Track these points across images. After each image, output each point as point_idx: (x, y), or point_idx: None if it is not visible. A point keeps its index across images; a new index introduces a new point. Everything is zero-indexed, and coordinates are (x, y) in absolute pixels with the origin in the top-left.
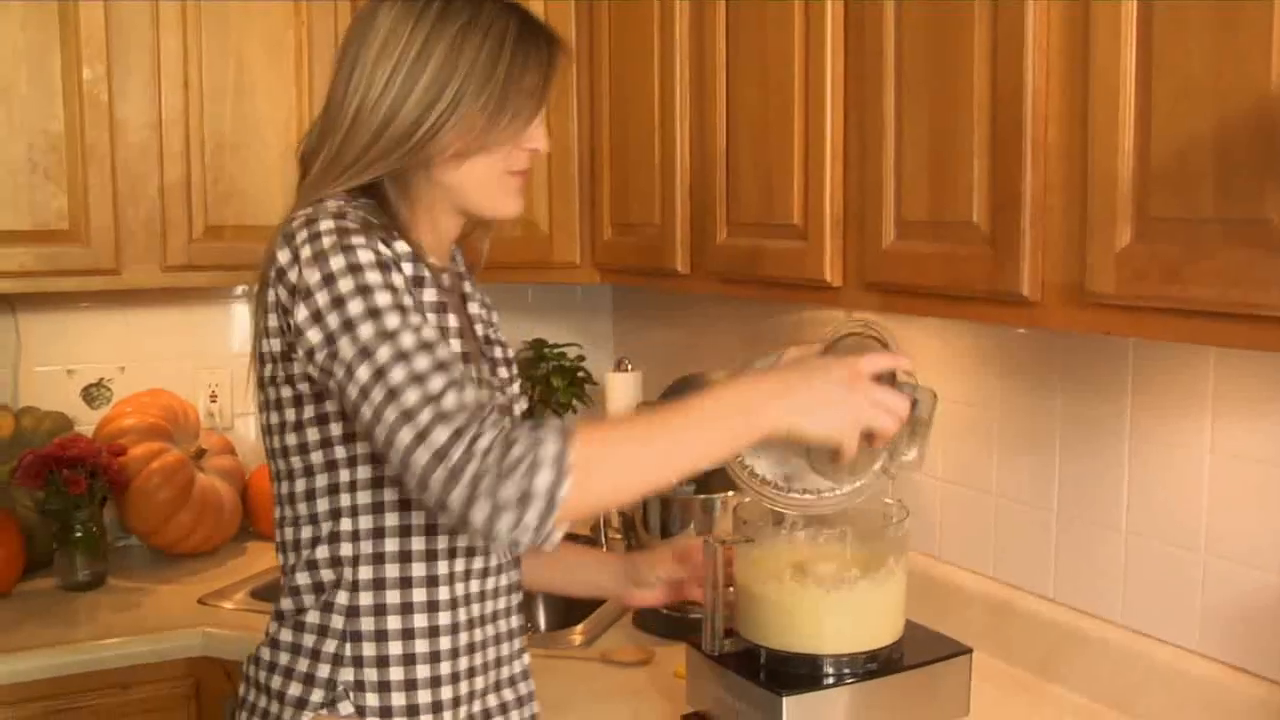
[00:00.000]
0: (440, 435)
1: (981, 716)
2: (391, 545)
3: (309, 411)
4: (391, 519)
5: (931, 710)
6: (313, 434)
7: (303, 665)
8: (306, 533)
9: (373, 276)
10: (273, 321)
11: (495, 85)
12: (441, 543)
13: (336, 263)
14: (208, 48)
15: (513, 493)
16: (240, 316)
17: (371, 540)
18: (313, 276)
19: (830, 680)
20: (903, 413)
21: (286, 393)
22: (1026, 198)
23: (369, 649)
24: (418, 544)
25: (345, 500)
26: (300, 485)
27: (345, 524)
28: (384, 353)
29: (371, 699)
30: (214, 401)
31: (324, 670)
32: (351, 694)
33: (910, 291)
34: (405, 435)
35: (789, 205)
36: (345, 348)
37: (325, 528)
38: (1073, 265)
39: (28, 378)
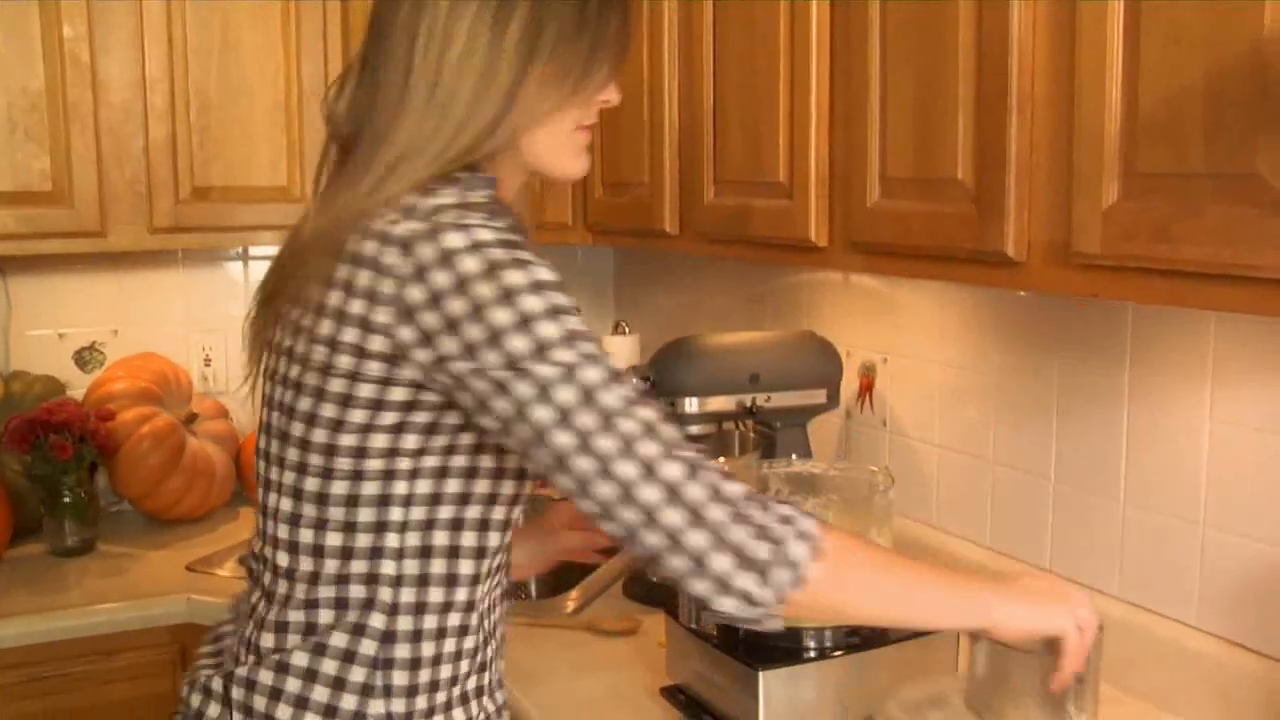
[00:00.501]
0: (673, 470)
1: None
2: (438, 567)
3: (389, 418)
4: (440, 538)
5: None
6: (380, 440)
7: (321, 695)
8: (336, 539)
9: (549, 299)
10: (381, 316)
11: (588, 29)
12: (484, 567)
13: (511, 282)
14: (191, 4)
15: (763, 553)
16: (235, 278)
17: (418, 560)
18: (465, 304)
19: (811, 654)
20: (1095, 620)
21: (365, 391)
22: (1011, 153)
23: (400, 678)
24: (466, 568)
25: (396, 514)
26: (340, 488)
27: (391, 539)
28: (592, 375)
29: None
30: (208, 365)
31: (350, 701)
32: None
33: (895, 252)
34: (628, 469)
35: (775, 162)
36: (544, 371)
37: (364, 540)
38: (1059, 224)
39: (19, 341)
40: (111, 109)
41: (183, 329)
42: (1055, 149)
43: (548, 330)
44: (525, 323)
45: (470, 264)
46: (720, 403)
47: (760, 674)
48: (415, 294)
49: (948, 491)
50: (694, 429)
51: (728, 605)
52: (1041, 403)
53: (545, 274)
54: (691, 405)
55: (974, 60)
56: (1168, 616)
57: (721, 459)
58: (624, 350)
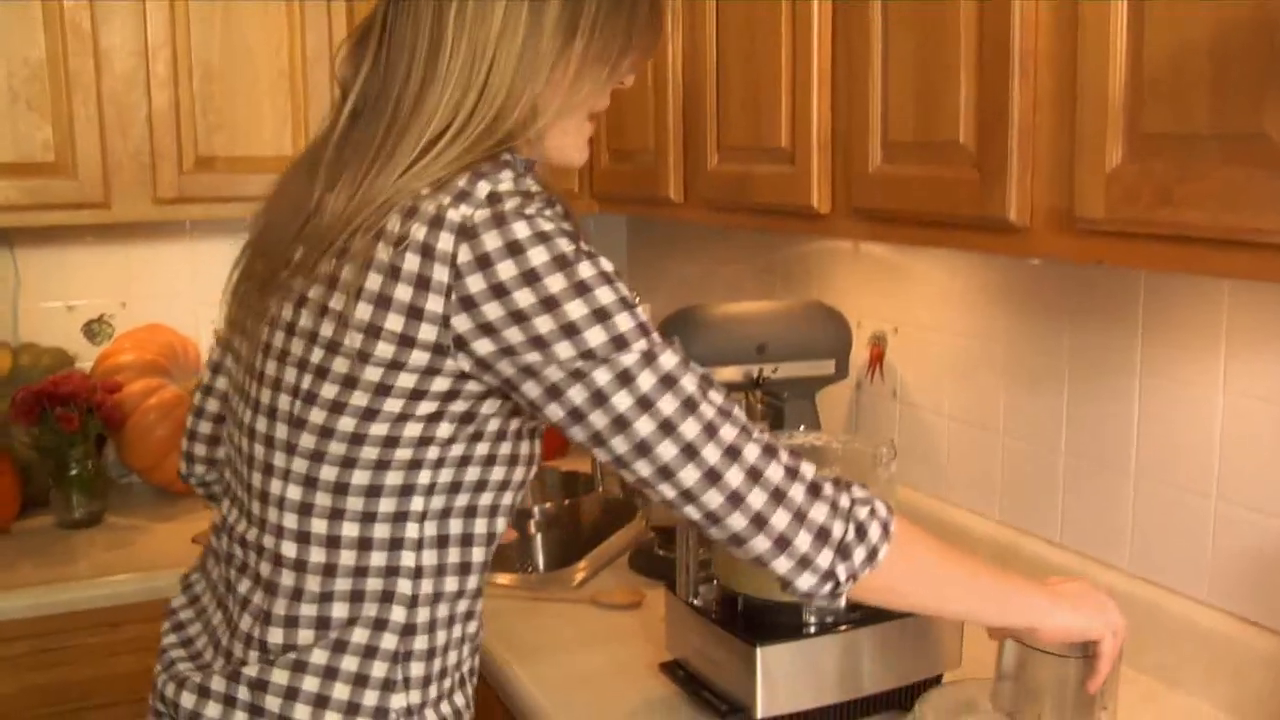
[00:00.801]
0: (753, 452)
1: (975, 668)
2: (453, 556)
3: (426, 407)
4: (455, 526)
5: (920, 661)
6: (413, 429)
7: (342, 692)
8: (353, 530)
9: (618, 291)
10: (433, 304)
11: (624, 9)
12: (491, 553)
13: (574, 278)
14: None
15: (841, 532)
16: None
17: (435, 550)
18: (533, 296)
19: (812, 629)
20: (1124, 623)
21: (404, 381)
22: (1014, 114)
23: (417, 669)
24: (478, 555)
25: (417, 504)
26: (362, 477)
27: (410, 530)
28: (669, 361)
29: None
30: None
31: (371, 698)
32: None
33: (897, 218)
34: (713, 453)
35: (776, 127)
36: (623, 359)
37: (383, 531)
38: (1062, 188)
39: (28, 314)
40: (114, 78)
41: (190, 301)
42: (1058, 109)
43: (623, 322)
44: (600, 315)
45: (538, 256)
46: (726, 374)
47: (758, 649)
48: (476, 283)
49: (958, 464)
50: None
51: (807, 582)
52: (1053, 374)
53: (608, 265)
54: None
55: (976, 17)
56: (1178, 592)
57: None
58: None
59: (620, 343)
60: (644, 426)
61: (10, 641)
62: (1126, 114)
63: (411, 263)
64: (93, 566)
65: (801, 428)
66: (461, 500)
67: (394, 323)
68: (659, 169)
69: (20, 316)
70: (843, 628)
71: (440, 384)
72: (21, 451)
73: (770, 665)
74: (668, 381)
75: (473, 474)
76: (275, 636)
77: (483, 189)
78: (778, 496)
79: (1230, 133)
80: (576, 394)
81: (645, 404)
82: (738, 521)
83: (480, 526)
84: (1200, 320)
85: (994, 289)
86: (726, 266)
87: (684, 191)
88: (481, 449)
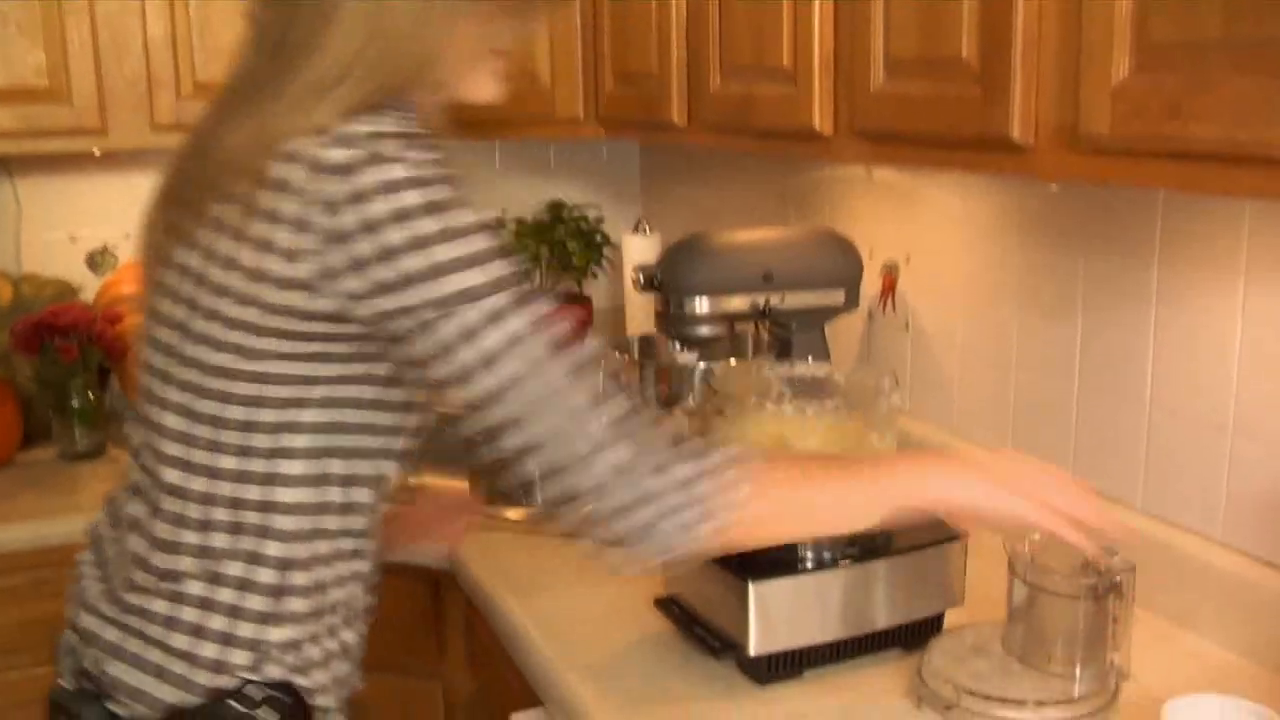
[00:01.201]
0: (618, 407)
1: (978, 606)
2: (334, 496)
3: (302, 348)
4: (337, 466)
5: (921, 599)
6: (289, 368)
7: (217, 623)
8: (229, 463)
9: (497, 239)
10: (308, 243)
11: None
12: (378, 494)
13: (437, 224)
14: None
15: (689, 472)
16: None
17: (314, 488)
18: (405, 235)
19: (808, 565)
20: (1093, 516)
21: (280, 322)
22: (1018, 25)
23: (298, 604)
24: (360, 496)
25: (296, 441)
26: (237, 413)
27: (285, 466)
28: (543, 307)
29: (291, 658)
30: None
31: (247, 630)
32: (288, 655)
33: (900, 139)
34: (579, 398)
35: (778, 46)
36: (495, 300)
37: (260, 465)
38: (1067, 104)
39: (31, 245)
40: (107, 2)
41: None
42: (1064, 20)
43: (496, 268)
44: (472, 259)
45: (412, 197)
46: (733, 303)
47: (750, 585)
48: (349, 220)
49: (970, 397)
50: (704, 330)
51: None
52: (1066, 302)
53: (485, 214)
54: (701, 305)
55: None
56: (1192, 530)
57: (732, 360)
58: (643, 250)
59: (495, 284)
60: (512, 366)
61: (11, 572)
62: (1134, 21)
63: (289, 204)
64: (94, 498)
65: (809, 358)
66: (346, 441)
67: (274, 264)
68: (662, 92)
69: (22, 247)
70: (841, 563)
71: (317, 326)
72: (23, 383)
73: (763, 601)
74: (538, 323)
75: (356, 417)
76: (159, 560)
77: (364, 129)
78: (630, 437)
79: (1244, 38)
80: (447, 331)
81: (515, 342)
82: (582, 452)
83: (365, 469)
84: (1219, 244)
85: (1009, 216)
86: (739, 194)
87: (687, 115)
88: (368, 392)
